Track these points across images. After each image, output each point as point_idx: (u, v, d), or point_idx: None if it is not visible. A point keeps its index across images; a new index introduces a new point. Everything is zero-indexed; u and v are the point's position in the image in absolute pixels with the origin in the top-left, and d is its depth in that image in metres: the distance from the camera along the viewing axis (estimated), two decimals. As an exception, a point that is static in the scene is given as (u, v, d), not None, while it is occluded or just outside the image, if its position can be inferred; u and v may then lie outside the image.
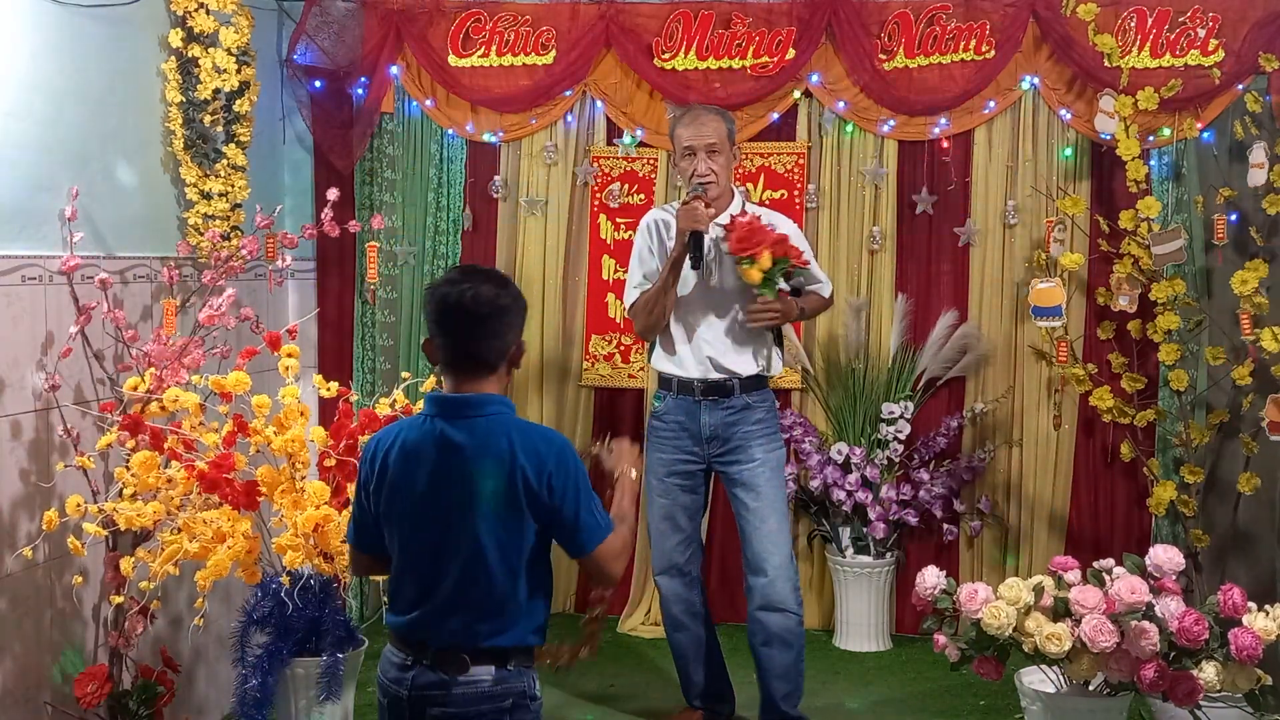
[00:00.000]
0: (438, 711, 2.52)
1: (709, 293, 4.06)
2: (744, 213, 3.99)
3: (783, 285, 4.01)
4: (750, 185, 5.21)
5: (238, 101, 4.50)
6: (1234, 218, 4.78)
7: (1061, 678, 3.68)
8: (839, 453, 5.12)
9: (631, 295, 4.16)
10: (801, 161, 5.23)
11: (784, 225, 4.09)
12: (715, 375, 4.06)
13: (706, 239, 3.97)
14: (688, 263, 3.97)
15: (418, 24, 5.23)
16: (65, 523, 3.60)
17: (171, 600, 4.22)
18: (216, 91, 4.40)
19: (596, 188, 5.35)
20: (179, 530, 3.66)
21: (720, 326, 4.06)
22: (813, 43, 5.05)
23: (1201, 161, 4.87)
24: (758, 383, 4.11)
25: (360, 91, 5.24)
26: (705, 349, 4.07)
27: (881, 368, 5.21)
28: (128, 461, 3.65)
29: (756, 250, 3.84)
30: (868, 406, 5.18)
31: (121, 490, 3.69)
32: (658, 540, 4.20)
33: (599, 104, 5.31)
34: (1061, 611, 3.57)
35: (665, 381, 4.16)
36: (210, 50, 4.36)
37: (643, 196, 5.32)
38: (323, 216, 4.31)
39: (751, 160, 5.23)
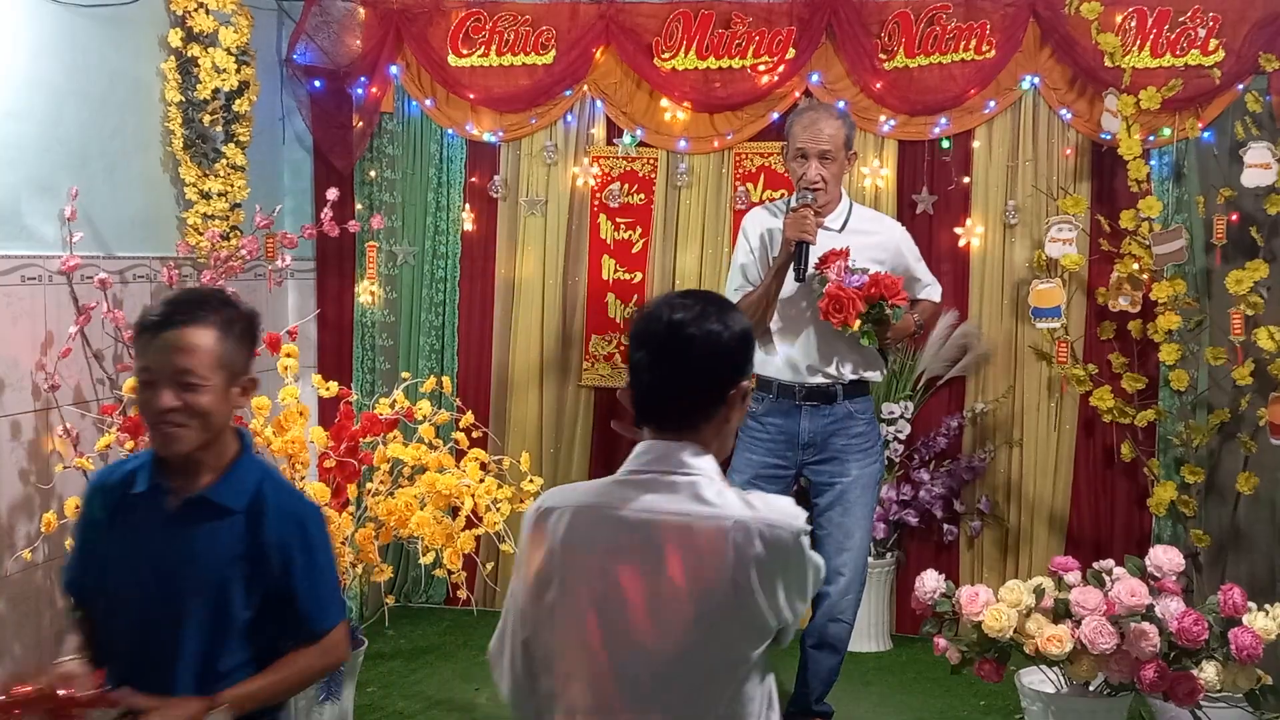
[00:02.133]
0: None
1: (811, 295, 3.93)
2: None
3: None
4: (750, 185, 5.20)
5: (237, 101, 4.50)
6: (1234, 218, 4.78)
7: (1062, 678, 3.68)
8: (839, 453, 5.10)
9: (731, 298, 4.07)
10: (802, 161, 5.21)
11: (888, 233, 4.01)
12: (816, 380, 3.96)
13: (813, 249, 3.83)
14: (791, 271, 3.85)
15: (417, 24, 5.23)
16: (64, 524, 3.60)
17: (171, 600, 4.21)
18: (216, 91, 4.40)
19: (596, 188, 5.35)
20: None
21: (822, 329, 3.91)
22: (813, 43, 5.05)
23: (1202, 161, 4.86)
24: (860, 388, 4.00)
25: (360, 91, 5.24)
26: (807, 352, 3.96)
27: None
28: (127, 462, 3.65)
29: (848, 317, 3.72)
30: (868, 406, 5.18)
31: (121, 491, 3.69)
32: None
33: (599, 104, 5.30)
34: (1062, 613, 3.57)
35: (765, 384, 4.02)
36: (210, 50, 4.36)
37: (643, 196, 5.32)
38: (323, 216, 4.31)
39: (751, 160, 5.22)
